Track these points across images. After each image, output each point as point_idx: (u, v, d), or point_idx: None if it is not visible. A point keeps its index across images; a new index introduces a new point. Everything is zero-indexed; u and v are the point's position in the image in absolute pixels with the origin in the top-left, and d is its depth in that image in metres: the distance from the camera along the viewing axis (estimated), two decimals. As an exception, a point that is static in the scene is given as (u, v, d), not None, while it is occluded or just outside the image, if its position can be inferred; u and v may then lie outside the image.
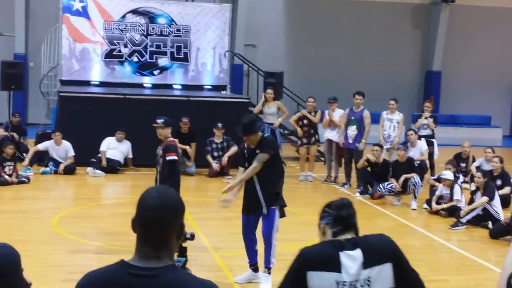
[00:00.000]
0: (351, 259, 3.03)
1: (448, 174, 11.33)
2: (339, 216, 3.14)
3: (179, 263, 2.70)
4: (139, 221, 2.40)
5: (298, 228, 10.04)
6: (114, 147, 14.37)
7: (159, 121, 8.15)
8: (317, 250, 3.12)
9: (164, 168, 7.98)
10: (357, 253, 3.04)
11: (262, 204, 7.01)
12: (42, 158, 14.25)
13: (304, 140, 14.29)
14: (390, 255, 3.09)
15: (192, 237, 2.82)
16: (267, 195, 7.03)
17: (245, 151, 7.18)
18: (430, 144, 13.81)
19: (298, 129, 14.31)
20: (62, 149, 14.05)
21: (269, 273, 7.16)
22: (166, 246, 2.39)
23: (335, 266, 3.01)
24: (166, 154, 7.94)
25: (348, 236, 3.12)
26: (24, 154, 14.70)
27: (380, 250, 3.09)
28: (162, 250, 2.38)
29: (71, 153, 14.01)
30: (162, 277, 2.32)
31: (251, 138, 7.01)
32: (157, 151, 8.19)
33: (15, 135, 15.45)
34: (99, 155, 14.14)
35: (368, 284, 3.03)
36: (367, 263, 3.03)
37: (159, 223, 2.37)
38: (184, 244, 2.64)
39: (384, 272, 3.05)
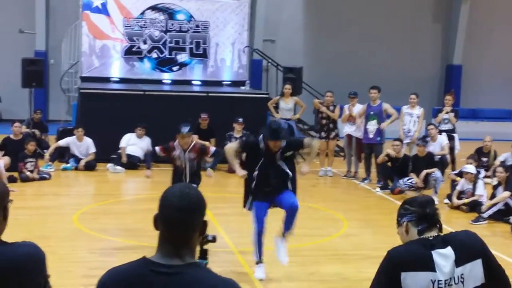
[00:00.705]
0: (444, 258, 3.03)
1: (471, 168, 11.23)
2: (424, 213, 3.14)
3: (202, 262, 2.70)
4: (162, 220, 2.40)
5: (317, 224, 10.03)
6: (134, 143, 14.44)
7: (186, 130, 8.25)
8: (408, 250, 3.09)
9: (196, 167, 8.36)
10: (449, 251, 3.04)
11: (287, 184, 7.26)
12: (63, 155, 14.36)
13: (323, 134, 14.24)
14: (479, 251, 3.10)
15: (214, 239, 2.81)
16: (293, 187, 7.31)
17: (262, 148, 7.21)
18: (451, 139, 13.70)
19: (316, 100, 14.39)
20: (83, 146, 14.14)
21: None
22: (188, 244, 2.40)
23: (429, 265, 3.00)
24: (207, 154, 8.49)
25: (433, 233, 3.13)
26: (45, 150, 14.82)
27: (469, 247, 3.10)
28: (185, 248, 2.38)
29: (93, 149, 14.09)
30: (184, 275, 2.33)
31: (278, 143, 7.14)
32: (183, 155, 8.30)
33: (37, 131, 15.58)
34: (119, 151, 14.22)
35: (462, 281, 3.03)
36: (460, 261, 3.03)
37: (183, 223, 2.37)
38: (205, 246, 2.65)
39: (475, 269, 3.06)
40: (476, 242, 3.16)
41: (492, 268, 3.12)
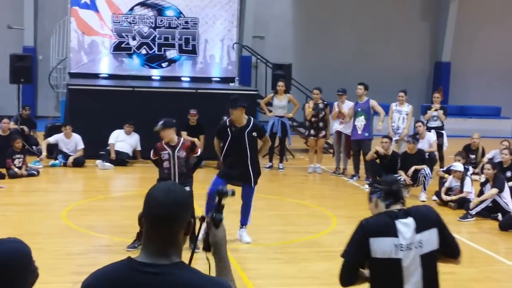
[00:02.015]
0: (405, 226, 3.62)
1: (459, 166, 11.29)
2: (390, 190, 3.73)
3: (218, 218, 2.72)
4: (147, 217, 2.38)
5: (306, 221, 10.05)
6: (123, 140, 14.41)
7: (158, 126, 8.12)
8: (376, 220, 3.69)
9: (185, 167, 8.14)
10: (410, 221, 3.64)
11: (251, 178, 8.39)
12: (51, 151, 14.30)
13: (312, 132, 14.24)
14: (435, 221, 3.70)
15: (233, 194, 2.85)
16: (256, 172, 8.44)
17: (228, 129, 8.34)
18: (439, 136, 13.77)
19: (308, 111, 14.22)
20: (72, 142, 14.10)
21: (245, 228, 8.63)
22: (174, 243, 2.37)
23: (393, 232, 3.60)
24: (195, 151, 8.27)
25: (398, 206, 3.72)
26: (34, 147, 14.77)
27: (427, 218, 3.70)
28: (170, 247, 2.35)
29: (81, 146, 14.05)
30: (171, 275, 2.30)
31: (236, 112, 8.26)
32: (172, 155, 8.09)
33: (25, 128, 15.50)
34: (108, 147, 14.18)
35: (420, 246, 3.62)
36: (419, 229, 3.63)
37: (168, 219, 2.35)
38: (223, 202, 2.70)
39: (431, 236, 3.66)
40: (433, 214, 3.77)
41: (445, 236, 3.71)
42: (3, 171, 12.52)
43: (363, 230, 3.65)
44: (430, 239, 3.65)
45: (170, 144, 8.15)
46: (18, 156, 12.76)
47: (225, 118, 13.80)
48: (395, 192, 3.74)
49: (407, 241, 3.59)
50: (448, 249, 3.77)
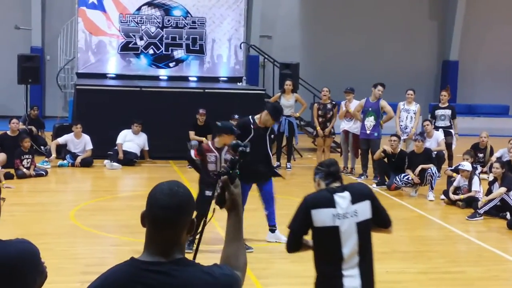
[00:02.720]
0: (342, 198, 4.18)
1: (467, 165, 11.23)
2: (329, 171, 4.34)
3: (235, 174, 2.70)
4: (149, 218, 2.38)
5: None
6: (131, 140, 14.42)
7: (238, 131, 8.08)
8: (317, 195, 4.30)
9: None
10: (346, 194, 4.20)
11: (271, 172, 8.63)
12: (59, 151, 14.33)
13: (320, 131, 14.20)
14: (368, 195, 4.27)
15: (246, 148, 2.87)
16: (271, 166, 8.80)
17: (252, 126, 8.33)
18: (448, 135, 13.72)
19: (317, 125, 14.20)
20: (81, 143, 14.11)
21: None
22: (177, 243, 2.37)
23: (331, 204, 4.16)
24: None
25: (337, 184, 4.31)
26: (42, 147, 14.79)
27: (361, 191, 4.29)
28: (173, 247, 2.36)
29: (90, 146, 14.05)
30: (176, 271, 2.30)
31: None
32: (219, 157, 7.95)
33: (34, 128, 15.54)
34: (116, 147, 14.20)
35: (356, 215, 4.15)
36: (354, 200, 4.18)
37: (170, 222, 2.34)
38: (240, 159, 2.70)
39: (365, 207, 4.20)
40: (366, 189, 4.37)
41: (376, 207, 4.25)
42: (12, 171, 12.56)
43: (306, 204, 4.22)
44: (364, 209, 4.18)
45: (216, 146, 8.02)
46: (27, 156, 12.79)
47: (236, 116, 13.90)
48: (333, 172, 4.34)
49: (344, 211, 4.13)
50: (380, 220, 4.29)
